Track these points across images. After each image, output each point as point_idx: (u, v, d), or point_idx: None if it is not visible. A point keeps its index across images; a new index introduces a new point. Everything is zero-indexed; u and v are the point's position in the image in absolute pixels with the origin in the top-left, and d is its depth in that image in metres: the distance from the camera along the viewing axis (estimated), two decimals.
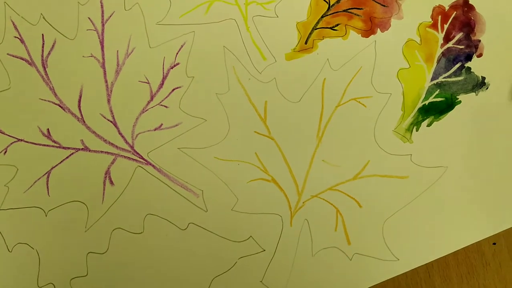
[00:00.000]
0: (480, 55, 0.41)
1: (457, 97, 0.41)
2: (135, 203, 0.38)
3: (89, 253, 0.37)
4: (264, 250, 0.38)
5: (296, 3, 0.41)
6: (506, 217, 0.39)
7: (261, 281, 0.38)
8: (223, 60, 0.39)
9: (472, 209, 0.39)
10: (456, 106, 0.41)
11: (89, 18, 0.39)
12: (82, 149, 0.38)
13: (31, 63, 0.38)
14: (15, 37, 0.38)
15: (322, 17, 0.42)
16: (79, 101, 0.38)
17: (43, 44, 0.38)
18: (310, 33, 0.41)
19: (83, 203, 0.37)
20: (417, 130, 0.40)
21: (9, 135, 0.37)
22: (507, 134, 0.40)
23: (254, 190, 0.39)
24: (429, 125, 0.40)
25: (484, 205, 0.39)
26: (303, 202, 0.39)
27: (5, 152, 0.37)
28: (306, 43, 0.41)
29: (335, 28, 0.42)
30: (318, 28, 0.42)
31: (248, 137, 0.39)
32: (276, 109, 0.39)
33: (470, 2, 0.42)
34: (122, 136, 0.38)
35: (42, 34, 0.38)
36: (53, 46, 0.38)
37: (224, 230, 0.38)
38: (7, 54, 0.37)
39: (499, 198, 0.39)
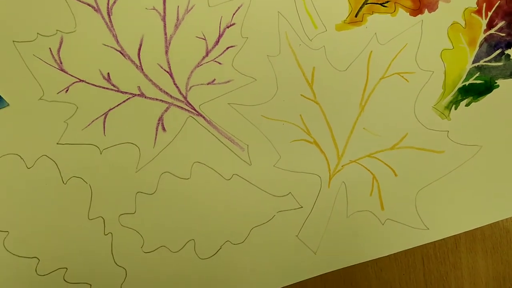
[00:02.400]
0: None
1: (496, 81, 0.43)
2: (184, 151, 0.39)
3: (138, 192, 0.39)
4: (302, 207, 0.40)
5: None
6: None
7: (296, 236, 0.40)
8: (277, 24, 0.41)
9: (502, 188, 0.41)
10: (494, 90, 0.42)
11: None
12: (138, 95, 0.40)
13: (97, 9, 0.39)
14: None
15: None
16: (139, 50, 0.40)
17: None
18: (361, 7, 0.43)
19: (136, 146, 0.39)
20: (455, 109, 0.42)
21: (71, 75, 0.39)
22: None
23: (296, 150, 0.40)
24: (467, 105, 0.42)
25: None
26: (342, 166, 0.40)
27: (67, 90, 0.39)
28: (356, 16, 0.43)
29: (385, 5, 0.43)
30: (368, 3, 0.43)
31: (294, 100, 0.41)
32: (323, 75, 0.41)
33: None
34: (177, 87, 0.40)
35: None
36: None
37: (265, 184, 0.40)
38: None
39: None
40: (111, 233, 0.39)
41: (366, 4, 0.43)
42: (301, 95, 0.41)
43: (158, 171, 0.39)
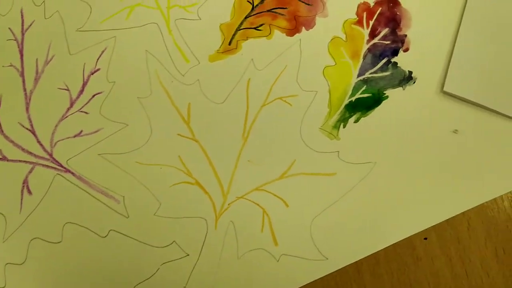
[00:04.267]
0: (406, 50, 0.41)
1: (384, 92, 0.41)
2: (53, 212, 0.37)
3: (7, 264, 0.36)
4: (188, 255, 0.37)
5: (219, 4, 0.41)
6: (436, 211, 0.39)
7: (184, 287, 0.37)
8: (145, 64, 0.39)
9: (402, 204, 0.39)
10: (383, 102, 0.40)
11: (9, 28, 0.39)
12: (0, 159, 0.37)
13: None
14: None
15: (246, 17, 0.42)
16: None
17: None
18: (234, 34, 0.41)
19: (1, 214, 0.37)
20: (344, 127, 0.40)
21: None
22: (436, 127, 0.39)
23: (178, 194, 0.38)
24: (356, 121, 0.40)
25: (414, 200, 0.39)
26: (228, 204, 0.38)
27: None
28: (229, 44, 0.41)
29: (259, 28, 0.42)
30: (242, 29, 0.41)
31: (171, 140, 0.39)
32: (200, 111, 0.39)
33: None
34: (41, 144, 0.38)
35: None
36: None
37: (146, 235, 0.37)
38: None
39: (429, 192, 0.39)
40: None
41: (239, 30, 0.41)
42: (178, 134, 0.39)
43: (27, 238, 0.37)
